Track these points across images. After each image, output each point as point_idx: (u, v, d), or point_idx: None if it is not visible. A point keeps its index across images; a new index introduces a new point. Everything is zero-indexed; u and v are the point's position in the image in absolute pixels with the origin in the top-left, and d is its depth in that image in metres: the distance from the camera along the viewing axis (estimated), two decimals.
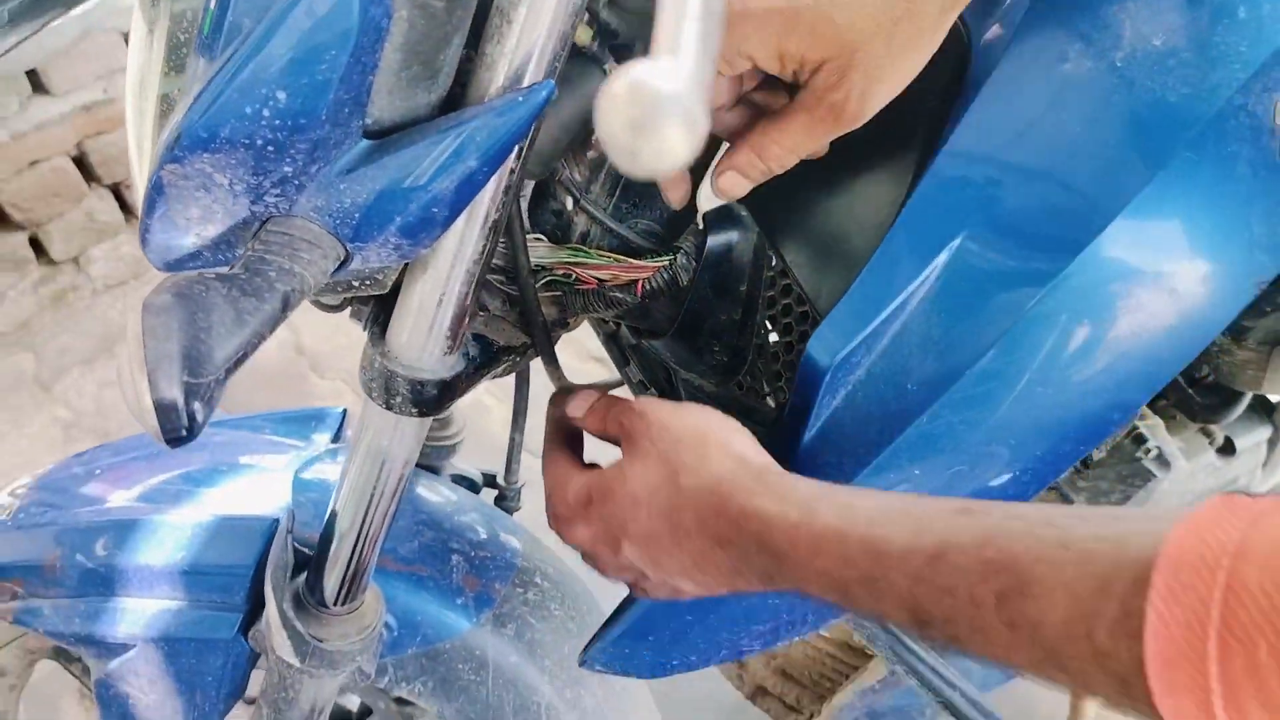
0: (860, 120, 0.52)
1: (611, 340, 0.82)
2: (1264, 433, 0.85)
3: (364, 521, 0.66)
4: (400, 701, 1.03)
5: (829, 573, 0.45)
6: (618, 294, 0.64)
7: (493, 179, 0.53)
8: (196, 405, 0.41)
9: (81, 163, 2.14)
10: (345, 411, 0.91)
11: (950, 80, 0.56)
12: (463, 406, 0.96)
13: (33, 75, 1.96)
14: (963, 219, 0.54)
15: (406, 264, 0.57)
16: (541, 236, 0.66)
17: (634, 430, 0.54)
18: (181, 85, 0.55)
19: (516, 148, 0.52)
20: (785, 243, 0.62)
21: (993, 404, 0.54)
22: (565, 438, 0.62)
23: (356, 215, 0.51)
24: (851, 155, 0.58)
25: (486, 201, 0.54)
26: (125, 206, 2.26)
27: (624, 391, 0.78)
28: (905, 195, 0.57)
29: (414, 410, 0.60)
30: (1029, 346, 0.54)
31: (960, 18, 0.55)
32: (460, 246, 0.56)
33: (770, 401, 0.67)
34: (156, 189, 0.48)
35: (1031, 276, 0.53)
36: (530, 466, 0.94)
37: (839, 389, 0.55)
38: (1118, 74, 0.53)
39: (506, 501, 0.96)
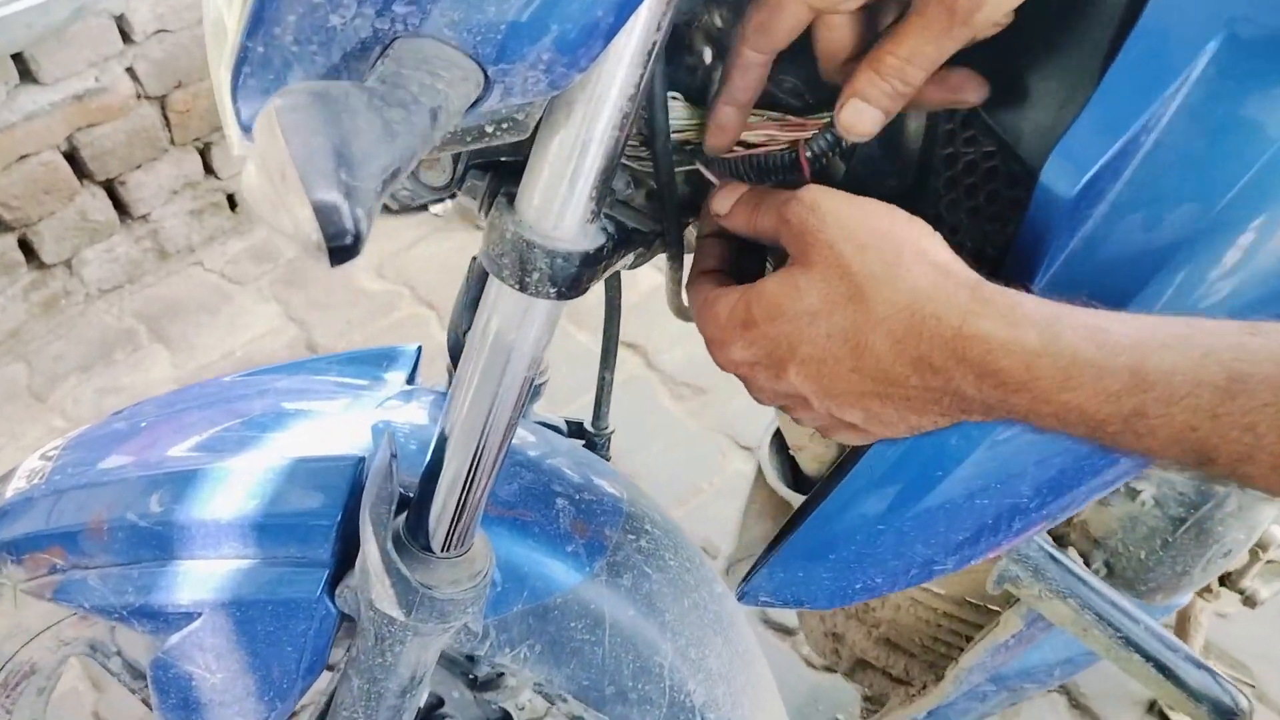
0: (979, 15, 0.45)
1: None
2: None
3: (482, 436, 0.57)
4: (474, 687, 0.94)
5: (1081, 408, 0.39)
6: (772, 160, 0.56)
7: None
8: (359, 211, 0.33)
9: (73, 158, 2.04)
10: (420, 349, 0.82)
11: None
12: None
13: (20, 60, 1.86)
14: (1219, 16, 0.46)
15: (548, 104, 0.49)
16: (678, 95, 0.57)
17: (804, 228, 0.46)
18: None
19: None
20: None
21: (1267, 231, 0.46)
22: (717, 258, 0.56)
23: (502, 28, 0.42)
24: None
25: (645, 16, 0.46)
26: (119, 204, 2.17)
27: None
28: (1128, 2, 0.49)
29: (551, 290, 0.51)
30: None
31: None
32: (610, 79, 0.47)
33: None
34: None
35: None
36: (617, 405, 0.86)
37: (1079, 224, 0.47)
38: None
39: (596, 450, 0.87)
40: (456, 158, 0.56)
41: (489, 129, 0.48)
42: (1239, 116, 0.46)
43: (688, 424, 1.93)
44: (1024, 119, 0.53)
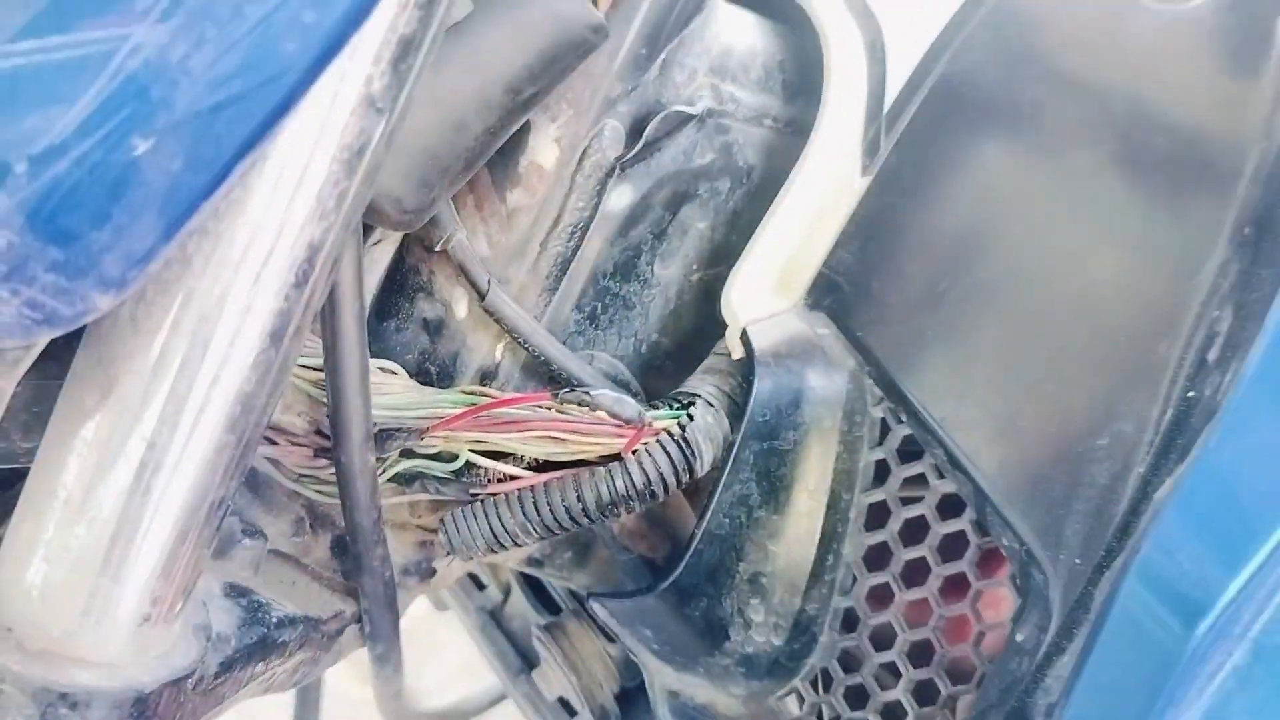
0: None
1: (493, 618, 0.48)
2: None
3: None
4: None
5: None
6: (565, 498, 0.32)
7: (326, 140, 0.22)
8: None
9: None
10: None
11: None
12: None
13: None
14: None
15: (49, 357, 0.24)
16: (394, 368, 0.33)
17: None
18: None
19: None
20: (925, 383, 0.32)
21: None
22: None
23: None
24: (1082, 195, 0.31)
25: (304, 206, 0.23)
26: None
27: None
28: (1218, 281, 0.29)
29: None
30: None
31: None
32: (217, 305, 0.23)
33: None
34: None
35: None
36: None
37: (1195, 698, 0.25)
38: None
39: None
40: None
41: None
42: None
43: None
44: (1012, 457, 0.31)
